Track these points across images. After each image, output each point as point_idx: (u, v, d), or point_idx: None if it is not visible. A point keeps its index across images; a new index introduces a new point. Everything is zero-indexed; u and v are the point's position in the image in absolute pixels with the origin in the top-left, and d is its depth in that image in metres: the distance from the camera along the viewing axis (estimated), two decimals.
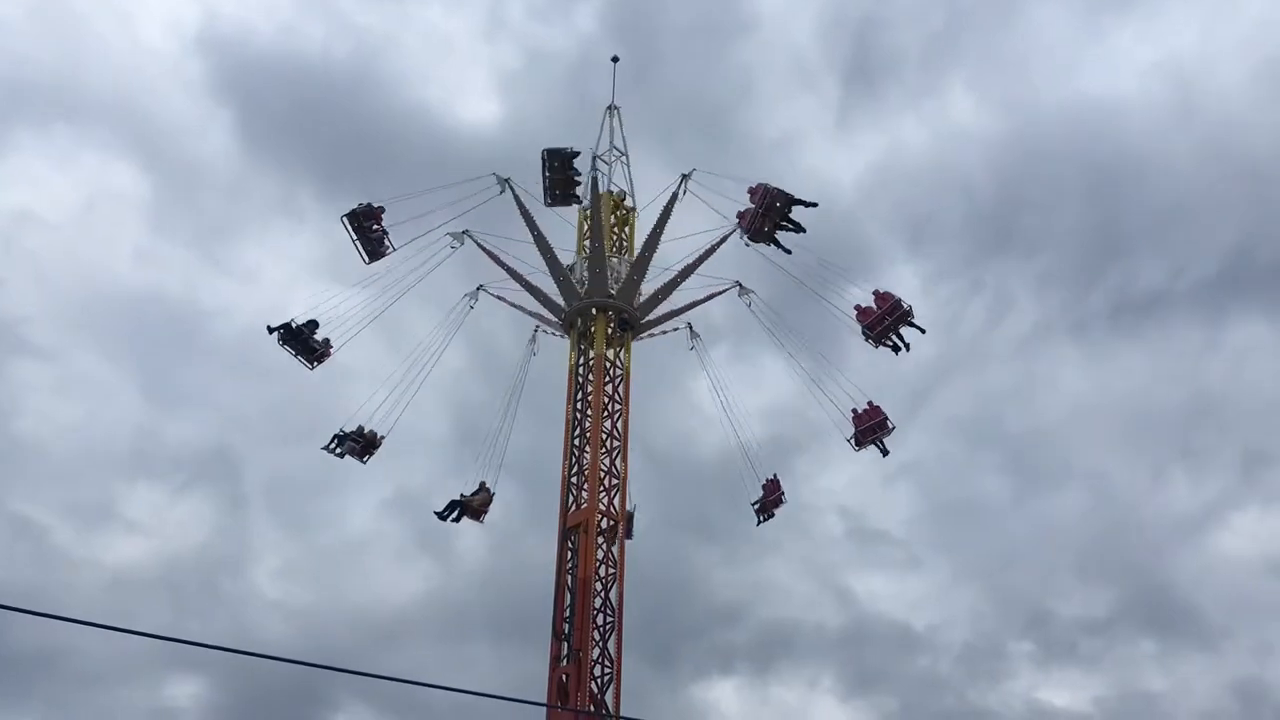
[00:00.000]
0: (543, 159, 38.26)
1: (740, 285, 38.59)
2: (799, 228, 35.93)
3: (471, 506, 37.52)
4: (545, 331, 38.76)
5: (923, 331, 36.08)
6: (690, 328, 39.22)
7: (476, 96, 78.51)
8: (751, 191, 35.96)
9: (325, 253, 36.56)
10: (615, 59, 41.37)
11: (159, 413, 69.84)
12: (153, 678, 59.11)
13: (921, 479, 74.82)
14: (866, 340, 36.17)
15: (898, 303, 35.67)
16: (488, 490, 37.67)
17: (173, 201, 73.62)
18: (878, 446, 36.80)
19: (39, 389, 66.57)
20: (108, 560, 64.46)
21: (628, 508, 35.60)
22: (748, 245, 37.05)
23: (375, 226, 37.27)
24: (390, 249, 37.55)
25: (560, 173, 38.00)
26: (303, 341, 36.75)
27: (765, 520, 38.45)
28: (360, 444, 37.29)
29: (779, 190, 35.50)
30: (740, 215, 36.18)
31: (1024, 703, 66.97)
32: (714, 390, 38.97)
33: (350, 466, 37.66)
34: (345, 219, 37.20)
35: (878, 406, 36.54)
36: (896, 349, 36.04)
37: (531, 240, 37.82)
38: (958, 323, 74.09)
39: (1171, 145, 75.40)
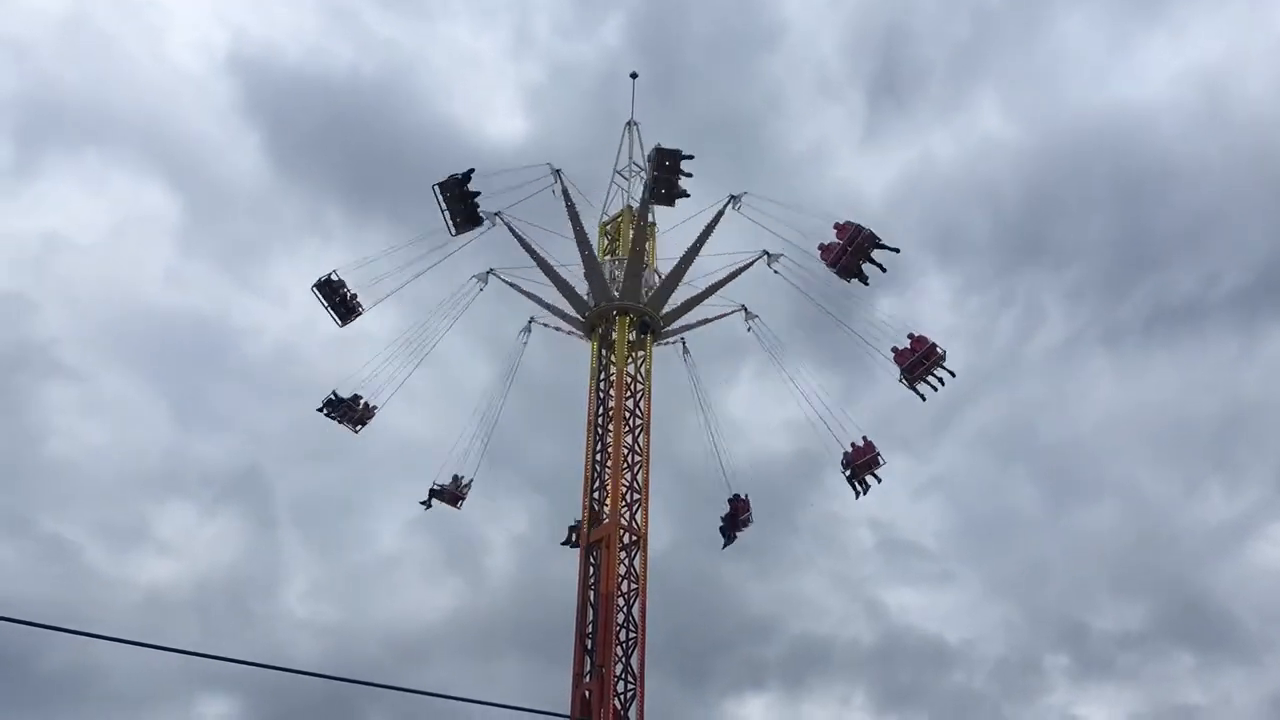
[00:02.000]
0: (651, 157, 37.20)
1: (745, 310, 39.03)
2: (882, 268, 35.93)
3: (447, 494, 39.03)
4: (547, 326, 39.17)
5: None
6: (683, 341, 39.57)
7: (503, 113, 79.08)
8: (840, 228, 35.84)
9: (354, 271, 37.39)
10: (634, 75, 41.67)
11: (189, 433, 70.77)
12: (184, 697, 59.47)
13: (953, 491, 74.47)
14: (900, 382, 36.10)
15: (933, 347, 35.63)
16: (462, 483, 39.10)
17: (202, 222, 74.74)
18: (863, 485, 36.73)
19: (70, 410, 67.69)
20: (140, 580, 65.19)
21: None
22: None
23: (345, 291, 37.84)
24: (360, 310, 38.11)
25: (458, 200, 37.20)
26: (336, 296, 37.67)
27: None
28: (355, 412, 38.07)
29: (870, 232, 35.51)
30: (824, 248, 36.07)
31: (1061, 717, 66.28)
32: (699, 403, 39.39)
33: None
34: (315, 289, 37.81)
35: (922, 336, 36.01)
36: (866, 280, 35.87)
37: (555, 238, 38.10)
38: (989, 335, 73.75)
39: (1202, 152, 74.88)
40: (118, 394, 70.07)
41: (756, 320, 39.05)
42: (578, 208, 38.24)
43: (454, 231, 37.43)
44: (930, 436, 69.35)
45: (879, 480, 36.98)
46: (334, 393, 37.86)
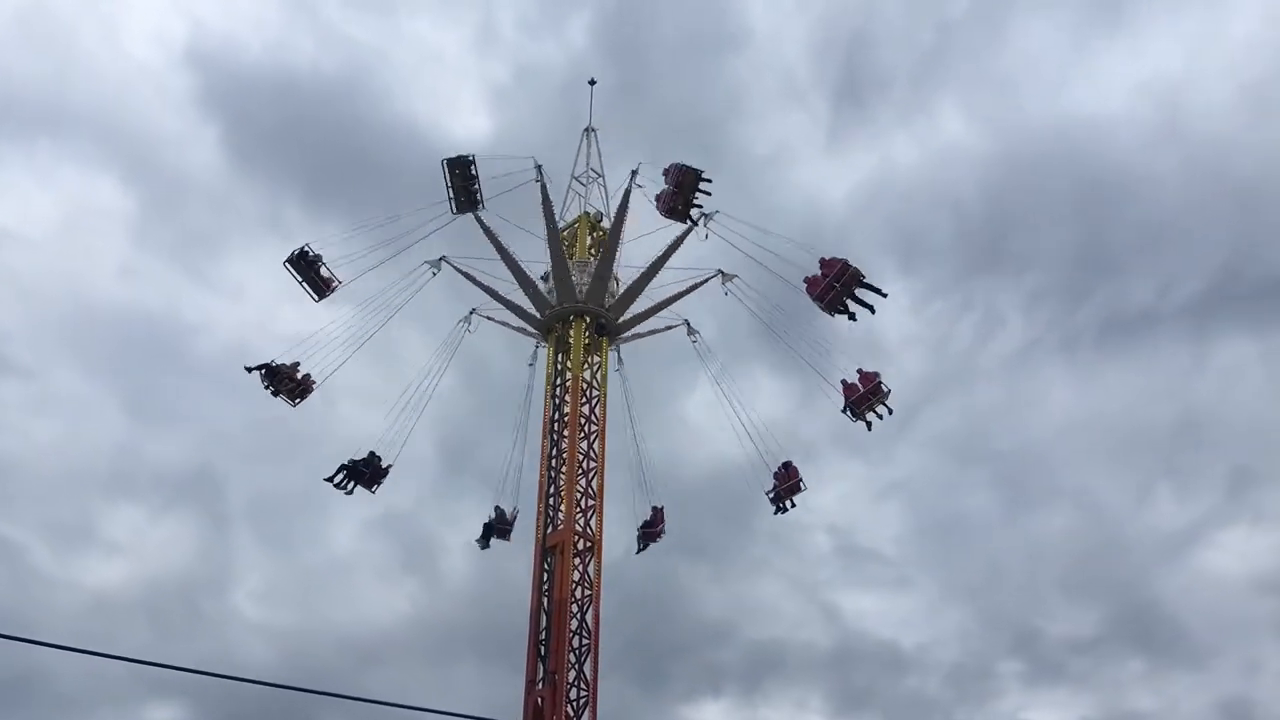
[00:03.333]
0: (442, 168, 37.46)
1: (722, 273, 38.53)
2: (870, 309, 35.58)
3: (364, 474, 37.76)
4: (492, 320, 39.11)
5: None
6: (688, 324, 39.55)
7: (466, 111, 78.58)
8: (826, 264, 35.48)
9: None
10: (592, 82, 41.57)
11: (140, 431, 69.78)
12: (132, 702, 58.68)
13: (910, 497, 74.88)
14: (845, 413, 36.07)
15: (878, 384, 35.66)
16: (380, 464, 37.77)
17: (157, 217, 73.73)
18: (877, 414, 36.12)
19: (18, 407, 66.39)
20: (87, 582, 64.25)
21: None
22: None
23: (319, 267, 37.12)
24: (337, 284, 37.42)
25: (461, 180, 37.40)
26: (282, 379, 36.71)
27: (781, 511, 38.01)
28: (369, 472, 37.47)
29: (856, 270, 35.22)
30: (809, 281, 35.65)
31: None
32: (715, 384, 39.22)
33: (333, 488, 37.52)
34: (287, 264, 37.10)
35: (870, 373, 35.98)
36: (853, 316, 35.60)
37: (536, 235, 37.94)
38: (948, 341, 74.19)
39: (1159, 164, 75.75)
40: (68, 391, 69.05)
41: (698, 335, 39.45)
42: (536, 212, 38.15)
43: (454, 210, 37.37)
44: (888, 441, 69.65)
45: (794, 505, 37.59)
46: (271, 360, 36.62)
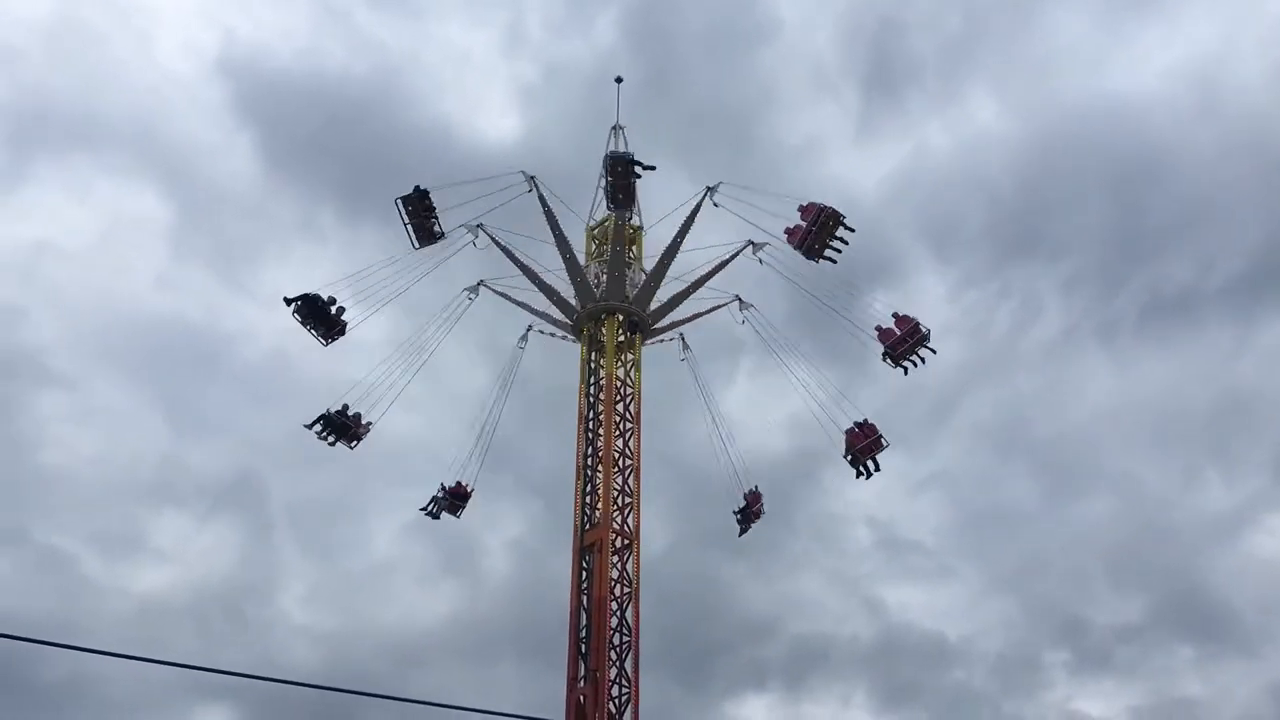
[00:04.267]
0: (604, 163, 37.30)
1: (740, 300, 38.99)
2: (844, 243, 36.08)
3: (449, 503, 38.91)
4: (545, 332, 39.07)
5: (934, 352, 36.10)
6: (682, 338, 39.66)
7: (496, 111, 78.78)
8: (804, 209, 36.09)
9: (348, 273, 37.24)
10: (619, 80, 41.42)
11: (183, 440, 70.42)
12: (181, 706, 59.23)
13: (950, 487, 74.32)
14: (885, 361, 36.34)
15: (916, 325, 35.94)
16: (463, 487, 38.85)
17: (193, 226, 74.30)
18: (867, 469, 36.47)
19: (62, 419, 67.37)
20: (135, 589, 65.01)
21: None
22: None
23: (328, 309, 36.80)
24: (440, 234, 37.58)
25: (622, 178, 36.86)
26: (318, 314, 36.68)
27: (744, 532, 39.50)
28: (345, 426, 37.10)
29: (833, 210, 35.73)
30: (790, 231, 36.28)
31: (1060, 713, 66.26)
32: (701, 398, 39.56)
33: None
34: (399, 201, 37.11)
35: (872, 425, 36.37)
36: (907, 369, 36.20)
37: (542, 244, 38.24)
38: (985, 329, 73.60)
39: (1196, 143, 74.70)
40: (110, 402, 69.87)
41: (751, 310, 39.16)
42: (571, 209, 38.51)
43: (417, 245, 37.52)
44: (927, 432, 69.35)
45: (878, 468, 36.60)
46: (328, 410, 36.66)
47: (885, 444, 36.33)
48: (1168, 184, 75.50)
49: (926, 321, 35.95)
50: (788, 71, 76.27)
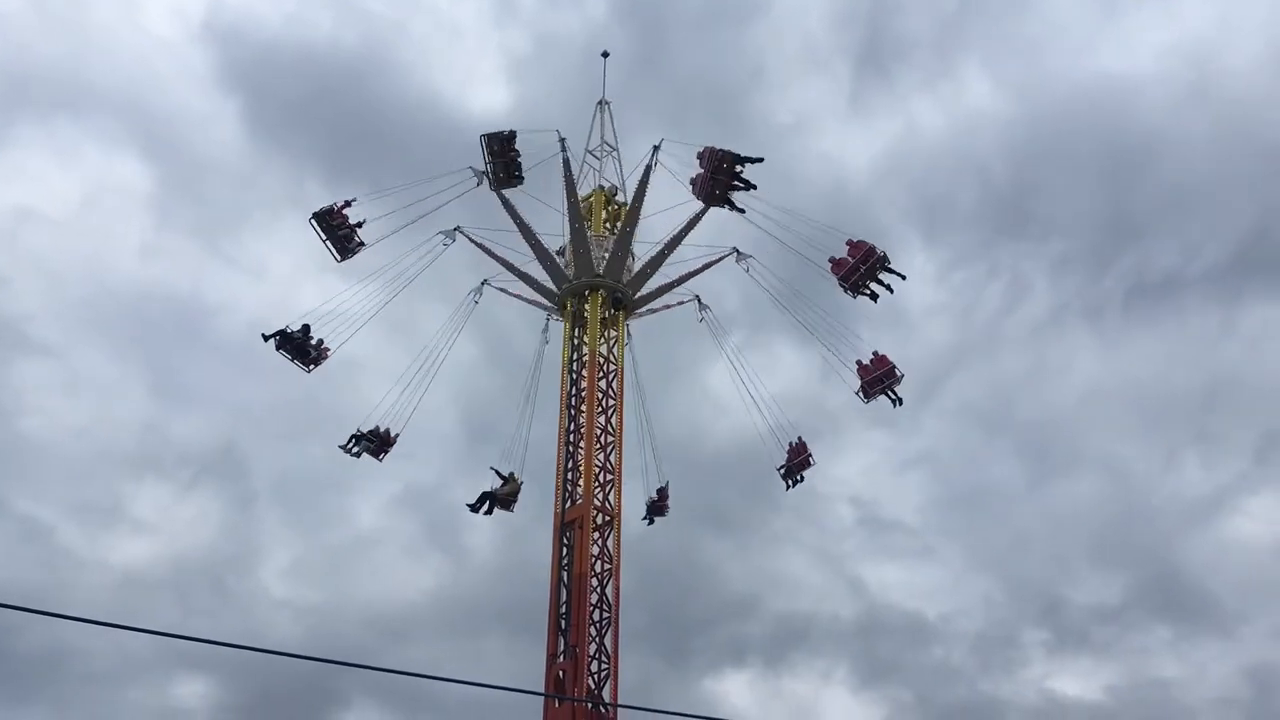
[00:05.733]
0: (480, 143, 37.09)
1: (738, 251, 38.53)
2: (749, 185, 35.48)
3: (500, 497, 37.24)
4: (504, 292, 38.95)
5: (903, 277, 35.70)
6: (699, 300, 39.34)
7: (486, 83, 78.15)
8: (700, 156, 35.78)
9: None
10: (605, 54, 41.14)
11: (165, 410, 70.11)
12: (160, 677, 59.39)
13: (934, 466, 74.60)
14: (845, 292, 36.00)
15: (892, 369, 36.07)
16: (516, 480, 37.33)
17: (178, 194, 73.82)
18: (891, 397, 36.53)
19: (44, 388, 66.92)
20: (115, 560, 64.88)
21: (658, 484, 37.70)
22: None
23: (343, 225, 36.67)
24: (360, 245, 37.08)
25: (501, 155, 36.99)
26: (297, 346, 36.65)
27: (793, 485, 38.71)
28: (375, 443, 37.56)
29: (724, 151, 35.25)
30: (834, 262, 35.88)
31: (1037, 692, 66.70)
32: (729, 361, 39.24)
33: (358, 462, 37.74)
34: (313, 220, 36.70)
35: (884, 356, 36.51)
36: (875, 297, 35.72)
37: (555, 209, 37.97)
38: (974, 309, 73.63)
39: (1187, 126, 74.69)
40: (92, 371, 69.46)
41: (708, 311, 39.27)
42: (556, 184, 37.93)
43: (339, 259, 37.00)
44: (913, 411, 69.31)
45: (900, 401, 36.79)
46: (286, 327, 36.38)
47: (900, 374, 36.37)
48: (1158, 167, 75.66)
49: (915, 301, 36.01)
50: (779, 48, 76.00)
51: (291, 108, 73.04)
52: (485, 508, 36.92)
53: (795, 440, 38.76)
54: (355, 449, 37.58)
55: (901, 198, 72.14)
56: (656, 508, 39.68)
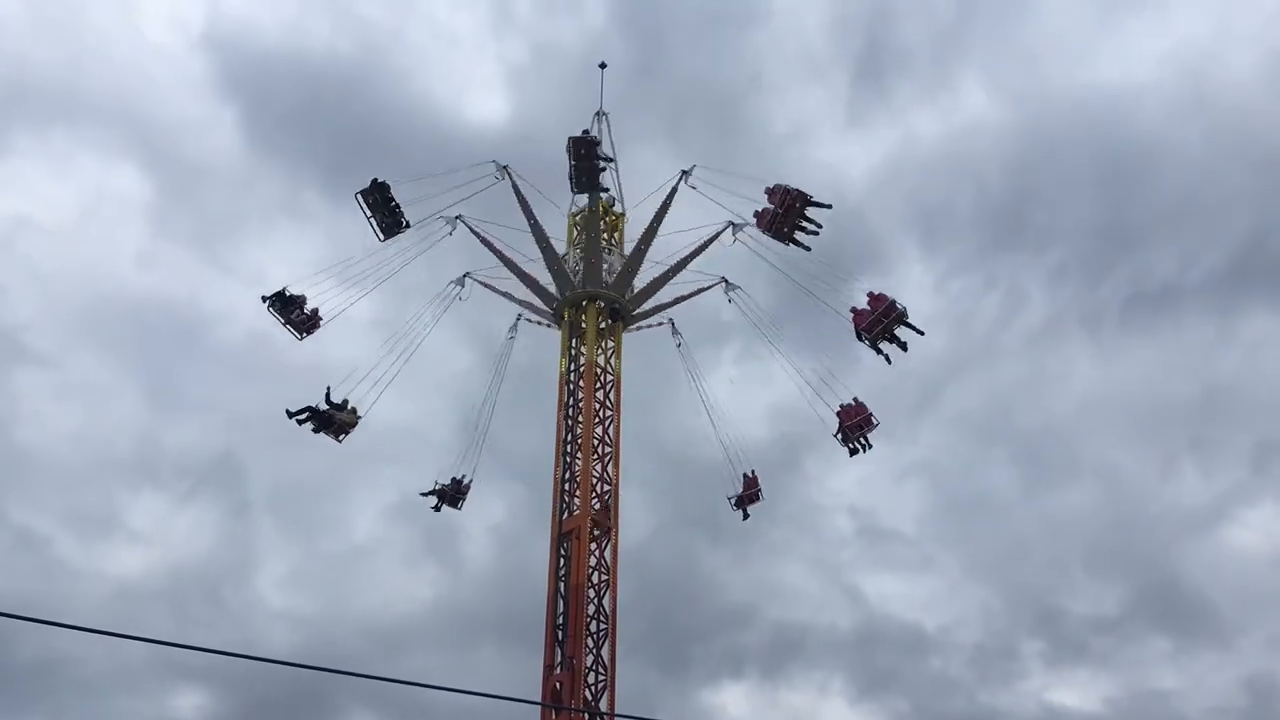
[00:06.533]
0: (568, 147, 37.04)
1: (726, 281, 38.73)
2: (817, 227, 35.99)
3: (449, 495, 39.08)
4: (531, 320, 38.96)
5: (921, 333, 35.75)
6: (672, 324, 39.40)
7: (484, 91, 78.11)
8: (770, 192, 36.03)
9: (331, 251, 36.83)
10: (603, 65, 41.14)
11: (162, 419, 69.94)
12: (156, 687, 59.03)
13: (932, 476, 74.37)
14: (863, 342, 36.01)
15: (891, 304, 35.44)
16: (354, 413, 37.47)
17: (175, 202, 73.52)
18: (861, 445, 36.58)
19: (40, 396, 66.58)
20: (110, 570, 64.73)
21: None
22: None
23: (392, 202, 37.01)
24: (405, 225, 37.40)
25: (586, 160, 36.95)
26: (293, 310, 36.87)
27: (745, 517, 39.23)
28: (332, 421, 37.03)
29: (798, 191, 35.64)
30: (758, 215, 36.28)
31: (1036, 703, 66.60)
32: (694, 385, 39.34)
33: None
34: (360, 195, 36.90)
35: (862, 403, 36.49)
36: (889, 359, 35.87)
37: (525, 232, 38.03)
38: (970, 318, 73.57)
39: (1184, 136, 74.67)
40: (88, 379, 69.12)
41: (738, 291, 38.88)
42: (555, 193, 38.26)
43: (382, 238, 37.43)
44: (911, 420, 69.32)
45: (870, 445, 36.70)
46: (283, 289, 36.89)
47: (876, 422, 36.45)
48: (1155, 176, 75.62)
49: (912, 310, 35.59)
50: (777, 57, 75.96)
51: (289, 116, 73.01)
52: (435, 504, 38.76)
53: (749, 472, 39.28)
54: (438, 505, 38.99)
55: (899, 206, 72.15)
56: (748, 497, 39.42)
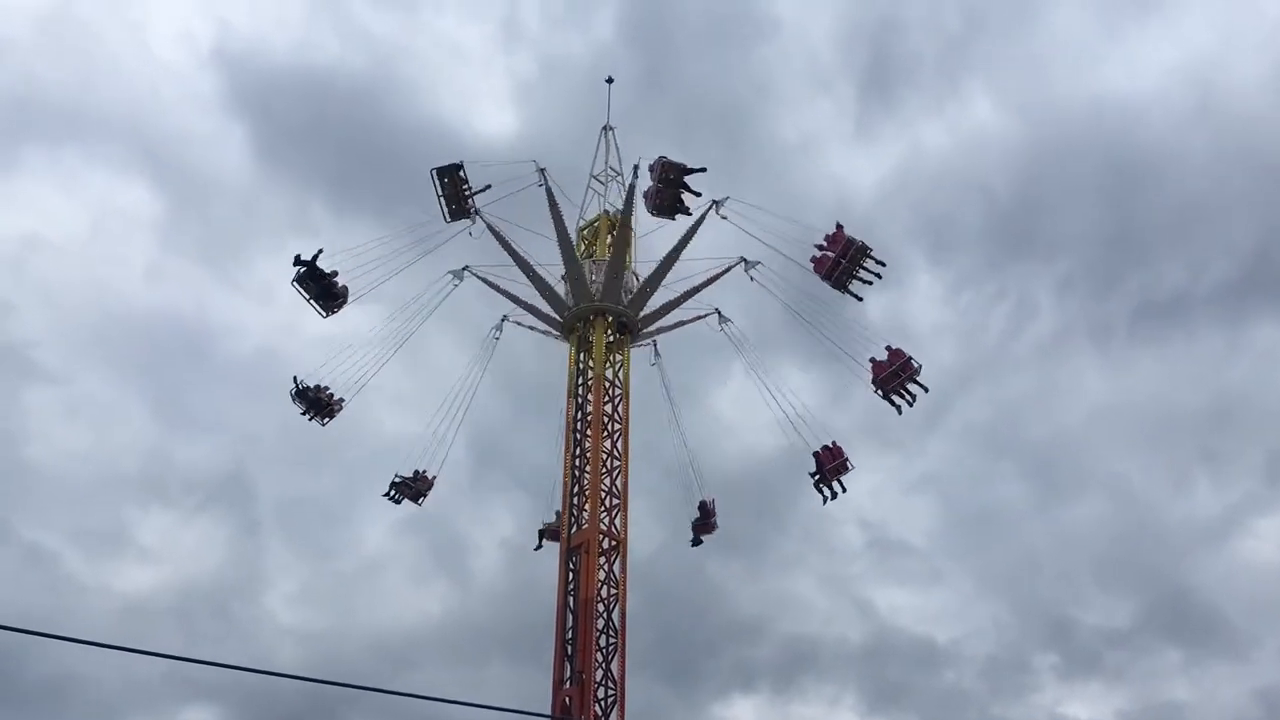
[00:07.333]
0: (431, 177, 37.15)
1: (719, 313, 38.88)
2: (875, 277, 35.45)
3: (411, 489, 39.52)
4: (523, 325, 39.01)
5: (926, 390, 35.65)
6: (655, 346, 39.31)
7: (492, 107, 78.17)
8: (831, 239, 35.32)
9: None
10: (610, 80, 41.17)
11: (171, 436, 69.75)
12: (167, 704, 58.78)
13: (942, 489, 74.16)
14: (875, 393, 35.84)
15: (908, 360, 35.43)
16: (426, 477, 39.22)
17: (184, 219, 73.55)
18: (829, 490, 36.57)
19: (49, 414, 66.58)
20: (119, 587, 64.43)
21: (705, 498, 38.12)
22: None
23: (462, 184, 37.01)
24: (474, 212, 37.35)
25: (450, 188, 37.12)
26: (322, 284, 36.68)
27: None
28: (415, 487, 39.17)
29: (863, 243, 35.10)
30: (816, 261, 35.53)
31: (1048, 716, 66.33)
32: (749, 370, 39.05)
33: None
34: (434, 172, 36.97)
35: (839, 446, 36.54)
36: (899, 408, 35.69)
37: (538, 239, 37.97)
38: (980, 330, 73.40)
39: (1191, 146, 74.44)
40: (98, 396, 69.21)
41: (729, 324, 39.03)
42: (560, 207, 37.95)
43: (448, 219, 37.44)
44: (919, 433, 69.07)
45: (844, 490, 36.70)
46: (296, 380, 37.54)
47: (851, 467, 36.48)
48: (1163, 186, 75.36)
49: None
50: (785, 69, 75.90)
51: (298, 132, 73.11)
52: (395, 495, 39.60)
53: (708, 500, 39.23)
54: (396, 496, 39.02)
55: (907, 218, 71.96)
56: (703, 526, 39.28)
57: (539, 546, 38.65)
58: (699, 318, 38.92)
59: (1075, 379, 76.04)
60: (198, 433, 69.75)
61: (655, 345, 39.28)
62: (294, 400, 37.65)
